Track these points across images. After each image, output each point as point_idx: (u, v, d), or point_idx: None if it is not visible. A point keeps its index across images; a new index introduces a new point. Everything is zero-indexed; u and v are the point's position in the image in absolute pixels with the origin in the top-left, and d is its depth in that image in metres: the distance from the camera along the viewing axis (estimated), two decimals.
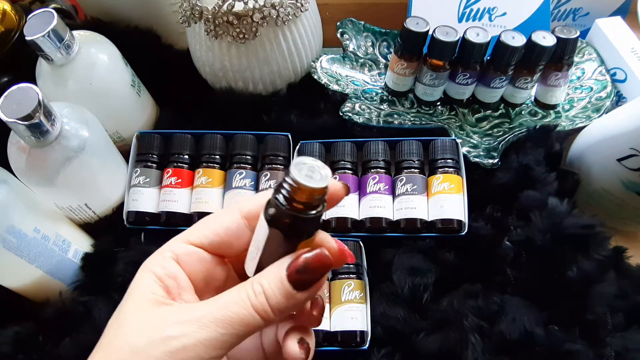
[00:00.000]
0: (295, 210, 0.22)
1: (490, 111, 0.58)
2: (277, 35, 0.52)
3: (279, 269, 0.23)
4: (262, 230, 0.23)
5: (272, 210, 0.23)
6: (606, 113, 0.54)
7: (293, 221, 0.22)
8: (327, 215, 0.49)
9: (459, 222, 0.46)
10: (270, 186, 0.50)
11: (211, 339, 0.22)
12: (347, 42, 0.60)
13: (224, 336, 0.22)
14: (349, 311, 0.43)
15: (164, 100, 0.59)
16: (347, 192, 0.26)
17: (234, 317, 0.23)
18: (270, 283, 0.23)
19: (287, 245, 0.24)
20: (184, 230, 0.49)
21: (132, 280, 0.26)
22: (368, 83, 0.60)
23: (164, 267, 0.25)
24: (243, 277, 0.26)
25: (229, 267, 0.28)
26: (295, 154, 0.52)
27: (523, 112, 0.58)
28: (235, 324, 0.23)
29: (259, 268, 0.25)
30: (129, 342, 0.22)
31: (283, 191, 0.22)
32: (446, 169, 0.48)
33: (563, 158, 0.54)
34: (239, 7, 0.50)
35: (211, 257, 0.26)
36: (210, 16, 0.50)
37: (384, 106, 0.58)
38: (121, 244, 0.48)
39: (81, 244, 0.47)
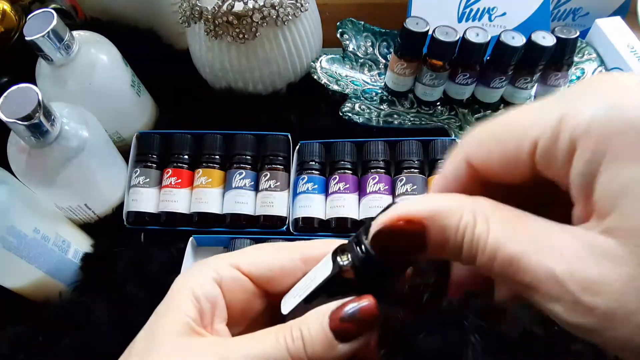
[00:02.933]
0: None
1: (490, 111, 0.58)
2: (277, 35, 0.52)
3: (321, 316, 0.21)
4: (324, 272, 0.22)
5: (347, 260, 0.22)
6: None
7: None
8: (327, 215, 0.49)
9: None
10: (270, 186, 0.50)
11: None
12: (347, 42, 0.60)
13: None
14: None
15: (164, 100, 0.59)
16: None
17: (267, 358, 0.21)
18: (310, 329, 0.21)
19: (343, 297, 0.22)
20: (183, 230, 0.49)
21: (169, 292, 0.24)
22: (368, 83, 0.60)
23: (205, 288, 0.23)
24: (279, 312, 0.25)
25: (267, 300, 0.25)
26: (295, 154, 0.52)
27: None
28: None
29: (297, 309, 0.23)
30: None
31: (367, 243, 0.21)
32: None
33: None
34: (238, 7, 0.50)
35: (255, 289, 0.24)
36: (210, 16, 0.50)
37: (384, 106, 0.58)
38: (121, 244, 0.48)
39: (81, 244, 0.47)
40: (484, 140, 0.19)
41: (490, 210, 0.18)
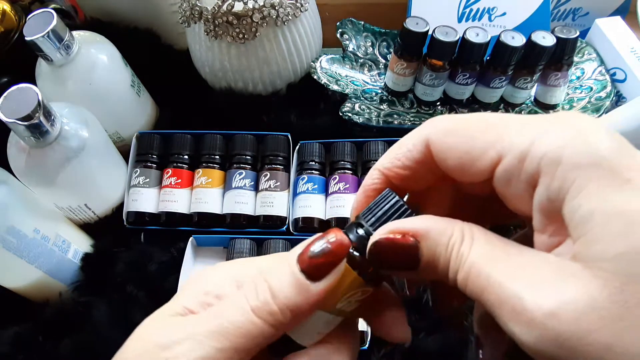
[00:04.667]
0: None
1: (490, 111, 0.58)
2: (277, 35, 0.52)
3: (288, 259, 0.20)
4: None
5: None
6: (606, 113, 0.54)
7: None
8: (327, 215, 0.49)
9: None
10: (270, 186, 0.50)
11: (205, 356, 0.18)
12: (347, 42, 0.60)
13: (219, 352, 0.18)
14: None
15: (164, 100, 0.59)
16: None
17: (229, 327, 0.19)
18: (277, 276, 0.19)
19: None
20: (183, 230, 0.49)
21: (188, 279, 0.23)
22: (368, 83, 0.60)
23: (219, 285, 0.22)
24: None
25: None
26: (295, 154, 0.52)
27: (523, 112, 0.58)
28: (232, 336, 0.19)
29: None
30: (126, 357, 0.20)
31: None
32: None
33: None
34: (238, 7, 0.50)
35: None
36: (210, 16, 0.50)
37: (384, 106, 0.58)
38: (121, 244, 0.48)
39: (81, 244, 0.47)
40: (451, 132, 0.20)
41: (477, 232, 0.19)
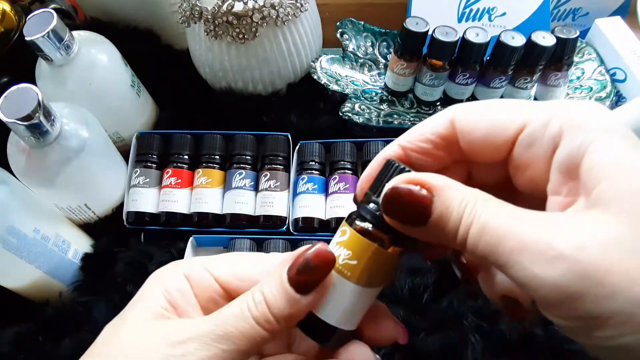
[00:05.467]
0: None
1: None
2: (277, 35, 0.52)
3: (279, 273, 0.22)
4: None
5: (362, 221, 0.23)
6: None
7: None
8: (327, 216, 0.49)
9: None
10: (270, 186, 0.50)
11: (213, 356, 0.21)
12: (347, 42, 0.60)
13: (225, 353, 0.21)
14: None
15: (164, 100, 0.59)
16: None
17: (234, 332, 0.21)
18: (271, 290, 0.22)
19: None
20: (183, 230, 0.49)
21: (143, 285, 0.25)
22: (368, 83, 0.60)
23: (176, 281, 0.24)
24: None
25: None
26: (295, 154, 0.52)
27: None
28: (237, 339, 0.21)
29: None
30: (126, 355, 0.21)
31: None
32: None
33: None
34: (238, 7, 0.50)
35: (221, 290, 0.25)
36: (210, 16, 0.50)
37: (384, 106, 0.58)
38: (121, 244, 0.48)
39: (81, 244, 0.47)
40: (478, 108, 0.22)
41: (490, 196, 0.20)
